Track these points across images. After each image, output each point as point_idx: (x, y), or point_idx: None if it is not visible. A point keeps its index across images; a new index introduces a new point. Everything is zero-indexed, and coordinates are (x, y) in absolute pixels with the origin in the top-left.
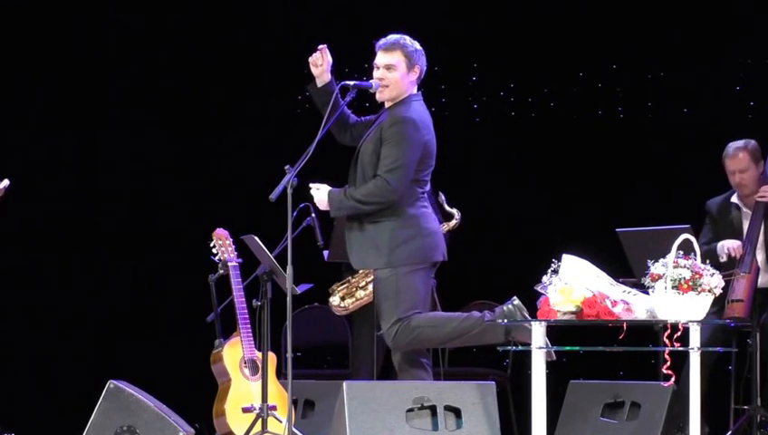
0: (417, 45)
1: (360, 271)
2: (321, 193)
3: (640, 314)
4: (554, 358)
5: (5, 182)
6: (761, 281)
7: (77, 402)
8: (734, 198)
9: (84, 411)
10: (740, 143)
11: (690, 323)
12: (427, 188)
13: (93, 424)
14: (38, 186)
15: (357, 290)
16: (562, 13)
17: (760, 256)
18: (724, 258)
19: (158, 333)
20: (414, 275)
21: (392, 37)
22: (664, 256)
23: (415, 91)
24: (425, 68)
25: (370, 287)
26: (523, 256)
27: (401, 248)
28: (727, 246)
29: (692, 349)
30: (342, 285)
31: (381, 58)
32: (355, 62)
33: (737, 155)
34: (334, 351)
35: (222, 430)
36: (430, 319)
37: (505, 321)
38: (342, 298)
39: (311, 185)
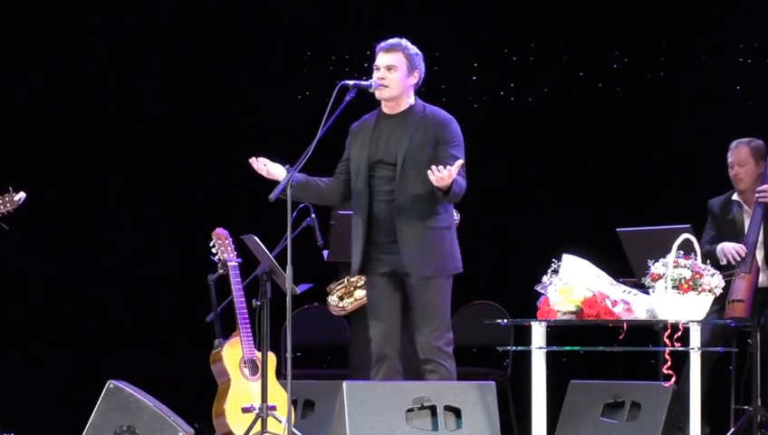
0: (417, 50)
1: None
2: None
3: (640, 314)
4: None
5: (21, 195)
6: (761, 280)
7: (77, 402)
8: (736, 196)
9: (84, 411)
10: (745, 139)
11: (690, 323)
12: None
13: (93, 424)
14: (37, 185)
15: (355, 290)
16: (562, 13)
17: (759, 255)
18: (723, 261)
19: (157, 334)
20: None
21: (393, 39)
22: (664, 256)
23: (413, 99)
24: (423, 75)
25: None
26: (523, 256)
27: (457, 255)
28: (727, 251)
29: (692, 349)
30: (340, 284)
31: (382, 59)
32: (355, 62)
33: (739, 148)
34: (334, 351)
35: (221, 430)
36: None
37: None
38: (341, 298)
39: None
